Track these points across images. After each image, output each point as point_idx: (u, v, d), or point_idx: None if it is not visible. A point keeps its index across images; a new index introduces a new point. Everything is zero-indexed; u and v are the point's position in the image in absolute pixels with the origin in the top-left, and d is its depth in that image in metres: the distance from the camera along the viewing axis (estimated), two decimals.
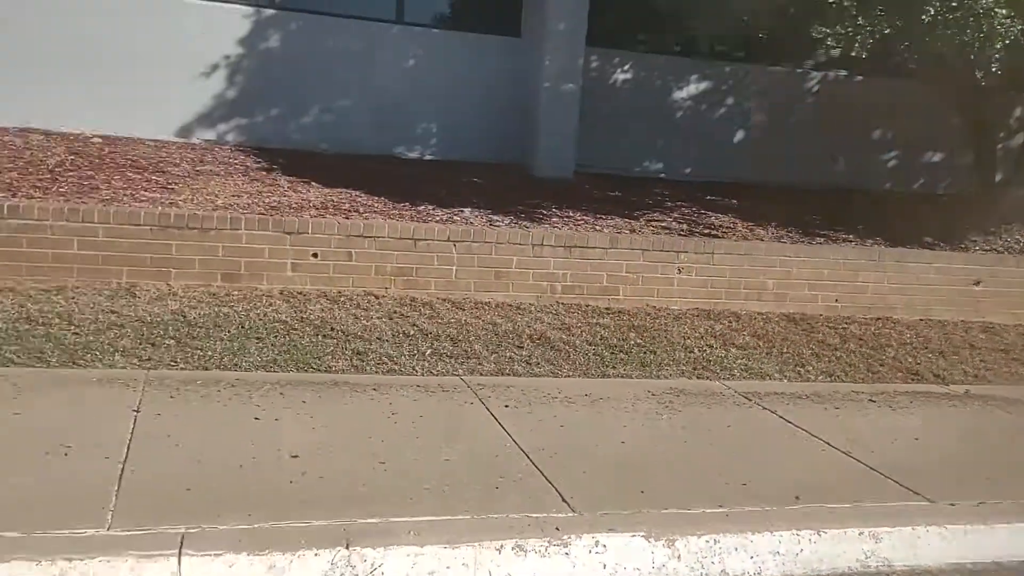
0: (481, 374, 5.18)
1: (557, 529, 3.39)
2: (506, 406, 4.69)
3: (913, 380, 5.98)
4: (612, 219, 7.47)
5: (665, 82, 10.22)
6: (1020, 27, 6.56)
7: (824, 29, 6.26)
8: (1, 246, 5.48)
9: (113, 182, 6.60)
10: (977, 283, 7.51)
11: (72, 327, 4.95)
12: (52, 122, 8.20)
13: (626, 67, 10.13)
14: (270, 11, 9.07)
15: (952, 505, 3.99)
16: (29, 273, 5.53)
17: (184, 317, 5.31)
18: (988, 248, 8.09)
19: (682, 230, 7.45)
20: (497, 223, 6.85)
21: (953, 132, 10.30)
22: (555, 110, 9.27)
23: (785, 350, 6.23)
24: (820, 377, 5.85)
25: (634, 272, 6.77)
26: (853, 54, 6.55)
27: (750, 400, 5.22)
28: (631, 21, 10.07)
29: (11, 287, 5.38)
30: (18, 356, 4.52)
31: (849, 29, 6.21)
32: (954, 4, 6.51)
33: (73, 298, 5.36)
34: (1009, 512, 3.98)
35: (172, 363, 4.73)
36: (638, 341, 6.01)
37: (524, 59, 9.64)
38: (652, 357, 5.77)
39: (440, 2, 9.90)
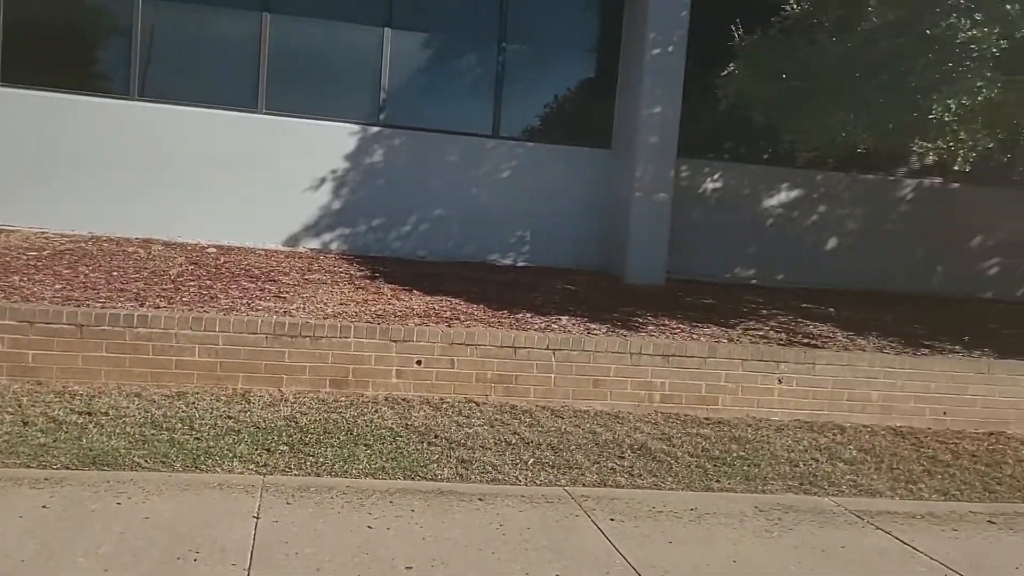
0: (584, 485, 5.17)
1: None
2: (612, 519, 4.66)
3: None
4: (708, 327, 7.47)
5: (755, 190, 10.32)
6: None
7: (926, 144, 6.30)
8: (130, 353, 5.81)
9: (230, 291, 6.97)
10: None
11: (193, 432, 5.18)
12: (171, 233, 8.77)
13: (716, 176, 10.29)
14: (374, 128, 9.60)
15: None
16: (154, 379, 5.83)
17: (296, 423, 5.50)
18: None
19: (780, 339, 7.39)
20: (595, 331, 6.94)
21: None
22: (646, 218, 9.44)
23: (895, 466, 6.04)
24: (934, 496, 5.64)
25: (733, 382, 6.72)
26: (956, 168, 6.54)
27: (862, 519, 5.06)
28: (722, 133, 10.28)
29: (138, 392, 5.68)
30: (145, 460, 4.74)
31: (951, 144, 6.24)
32: None
33: (193, 403, 5.62)
34: None
35: (286, 469, 4.88)
36: (740, 453, 5.93)
37: (615, 169, 9.91)
38: (756, 471, 5.67)
39: (533, 116, 10.31)
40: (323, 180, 9.54)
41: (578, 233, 9.91)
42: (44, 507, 4.08)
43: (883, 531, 4.90)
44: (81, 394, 5.54)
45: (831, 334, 7.75)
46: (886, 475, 5.87)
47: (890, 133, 6.75)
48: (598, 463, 5.49)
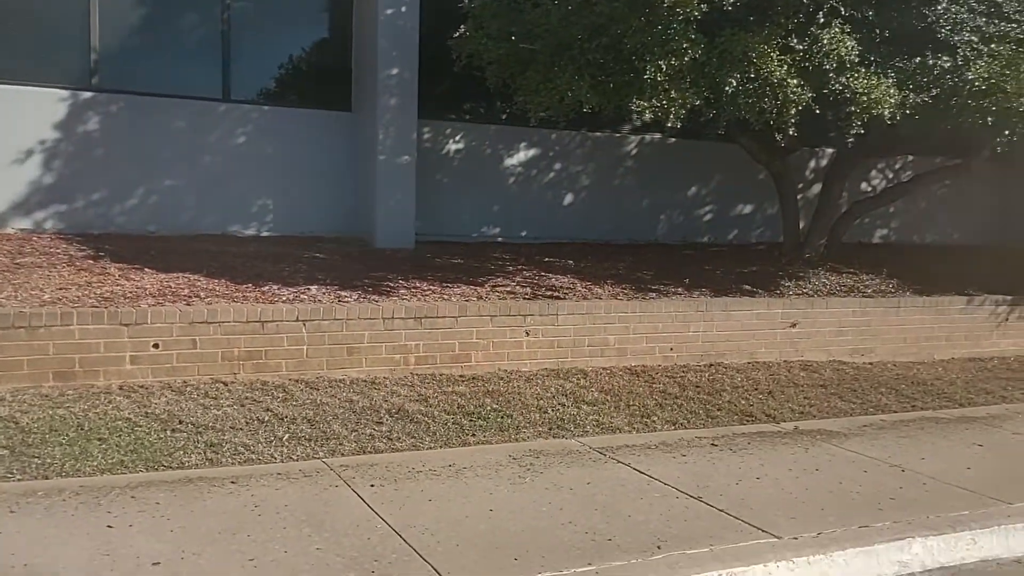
0: (343, 455, 5.14)
1: None
2: (371, 486, 4.67)
3: (748, 421, 6.43)
4: (458, 287, 7.63)
5: (496, 150, 10.61)
6: (810, 95, 7.35)
7: (642, 103, 6.77)
8: None
9: None
10: (794, 325, 8.19)
11: None
12: None
13: (458, 137, 10.45)
14: (87, 93, 8.76)
15: (795, 539, 4.33)
16: None
17: (16, 423, 4.97)
18: (800, 292, 8.84)
19: (526, 294, 7.71)
20: (346, 299, 6.85)
21: (761, 186, 11.29)
22: (391, 181, 9.42)
23: (631, 403, 6.55)
24: (666, 426, 6.19)
25: (484, 338, 6.94)
26: (669, 124, 7.09)
27: (604, 455, 5.45)
28: (461, 94, 10.43)
29: None
30: None
31: (664, 102, 6.75)
32: (752, 76, 7.21)
33: None
34: (843, 539, 4.37)
35: (7, 475, 4.41)
36: (494, 406, 6.15)
37: (357, 133, 9.77)
38: (509, 421, 5.92)
39: (267, 78, 9.88)
40: (30, 152, 8.57)
41: (324, 199, 9.69)
42: None
43: (623, 463, 5.30)
44: None
45: (571, 285, 8.20)
46: (624, 412, 6.35)
47: (611, 92, 7.18)
48: (356, 431, 5.47)
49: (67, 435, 4.91)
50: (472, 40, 8.04)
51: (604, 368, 7.29)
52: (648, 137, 11.31)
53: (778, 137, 8.07)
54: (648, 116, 6.90)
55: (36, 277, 6.60)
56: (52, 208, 8.68)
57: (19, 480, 4.38)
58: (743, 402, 6.82)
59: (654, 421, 6.25)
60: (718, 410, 6.59)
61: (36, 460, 4.58)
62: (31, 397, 5.33)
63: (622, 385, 6.94)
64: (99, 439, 4.92)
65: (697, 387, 7.08)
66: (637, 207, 11.30)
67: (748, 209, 12.00)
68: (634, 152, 11.40)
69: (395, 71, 9.44)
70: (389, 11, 9.32)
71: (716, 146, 10.98)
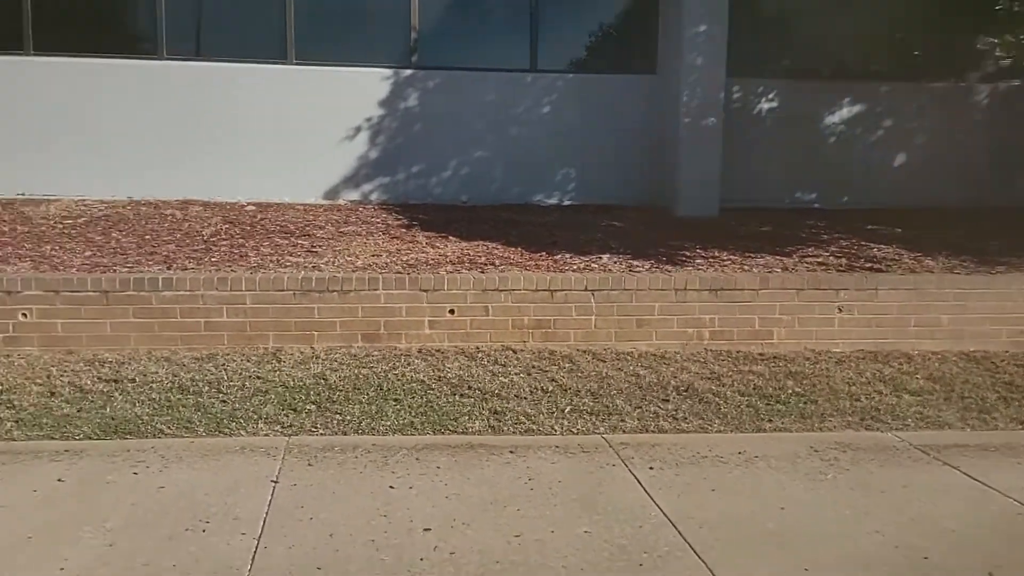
0: (624, 431, 4.90)
1: None
2: (651, 468, 4.39)
3: None
4: (762, 257, 7.03)
5: (813, 108, 9.67)
6: None
7: (992, 39, 5.64)
8: (158, 317, 5.72)
9: (261, 248, 6.83)
10: None
11: (220, 395, 5.07)
12: (209, 193, 8.67)
13: (770, 95, 9.67)
14: (407, 71, 9.29)
15: None
16: (184, 342, 5.74)
17: (325, 380, 5.34)
18: None
19: (840, 265, 6.91)
20: (637, 268, 6.58)
21: None
22: (695, 146, 8.95)
23: (966, 394, 5.59)
24: (1011, 425, 5.19)
25: (789, 313, 6.31)
26: None
27: (927, 454, 4.67)
28: (773, 48, 9.63)
29: (167, 356, 5.60)
30: (168, 427, 4.65)
31: (1022, 36, 5.57)
32: None
33: (223, 365, 5.51)
34: None
35: (312, 429, 4.73)
36: (796, 390, 5.55)
37: (661, 96, 9.39)
38: (813, 408, 5.30)
39: (573, 46, 9.83)
40: (359, 129, 9.30)
41: (626, 167, 9.47)
42: (60, 480, 4.01)
43: (951, 467, 4.50)
44: (110, 361, 5.48)
45: (896, 256, 7.22)
46: (956, 405, 5.43)
47: (950, 29, 6.05)
48: (640, 408, 5.20)
49: (367, 394, 5.19)
50: None
51: (933, 352, 6.31)
52: (1003, 85, 9.64)
53: None
54: (999, 54, 5.74)
55: (355, 245, 7.10)
56: (377, 181, 9.37)
57: (321, 435, 4.68)
58: None
59: (995, 418, 5.27)
60: None
61: (338, 416, 4.88)
62: (341, 356, 5.72)
63: (955, 373, 5.96)
64: (395, 399, 5.13)
65: None
66: (982, 167, 9.72)
67: None
68: (984, 103, 9.80)
69: (702, 28, 8.91)
70: None
71: None
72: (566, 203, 9.44)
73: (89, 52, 8.74)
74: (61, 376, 5.22)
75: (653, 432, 4.91)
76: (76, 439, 4.50)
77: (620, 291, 6.14)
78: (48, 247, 6.66)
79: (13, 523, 3.56)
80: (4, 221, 7.43)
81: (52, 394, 4.98)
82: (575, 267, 6.58)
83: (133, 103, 8.74)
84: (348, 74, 9.16)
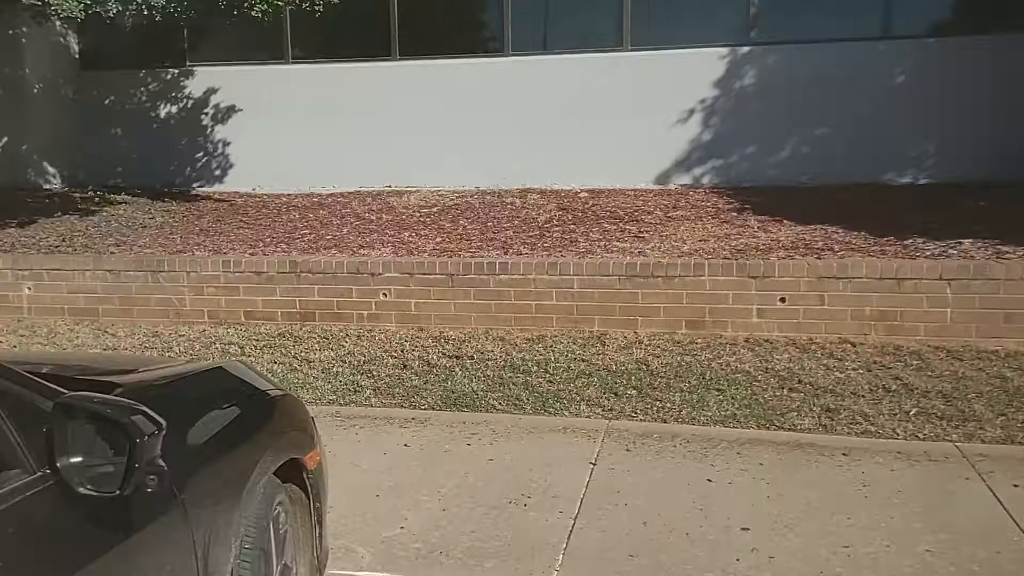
0: (982, 441, 4.30)
1: None
2: (1015, 485, 3.80)
3: None
4: None
5: None
6: None
7: None
8: (494, 299, 6.10)
9: (591, 234, 6.99)
10: None
11: (547, 375, 5.27)
12: (547, 180, 9.05)
13: None
14: (744, 48, 8.95)
15: None
16: (517, 323, 6.06)
17: (647, 366, 5.33)
18: None
19: None
20: (1007, 255, 5.73)
21: None
22: None
23: None
24: None
25: None
26: None
27: None
28: None
29: (502, 336, 5.95)
30: (499, 403, 4.93)
31: None
32: None
33: (551, 346, 5.72)
34: None
35: (632, 414, 4.75)
36: None
37: None
38: None
39: (934, 6, 8.83)
40: (691, 112, 9.16)
41: (996, 139, 8.31)
42: (406, 445, 4.42)
43: None
44: (453, 339, 5.94)
45: None
46: None
47: None
48: (1004, 415, 4.52)
49: (689, 382, 5.08)
50: None
51: None
52: None
53: None
54: None
55: (682, 229, 7.01)
56: (709, 163, 9.17)
57: (640, 420, 4.68)
58: None
59: None
60: None
61: (658, 403, 4.84)
62: (663, 343, 5.67)
63: None
64: (717, 389, 4.97)
65: None
66: None
67: None
68: None
69: None
70: None
71: None
72: (921, 181, 8.52)
73: (445, 54, 9.54)
74: (412, 351, 5.76)
75: (1020, 444, 4.25)
76: (421, 408, 4.94)
77: (984, 280, 5.39)
78: (406, 234, 7.39)
79: (366, 482, 3.99)
80: (372, 211, 8.39)
81: (404, 367, 5.51)
82: (928, 253, 5.90)
83: (481, 99, 9.38)
84: (682, 56, 9.05)
